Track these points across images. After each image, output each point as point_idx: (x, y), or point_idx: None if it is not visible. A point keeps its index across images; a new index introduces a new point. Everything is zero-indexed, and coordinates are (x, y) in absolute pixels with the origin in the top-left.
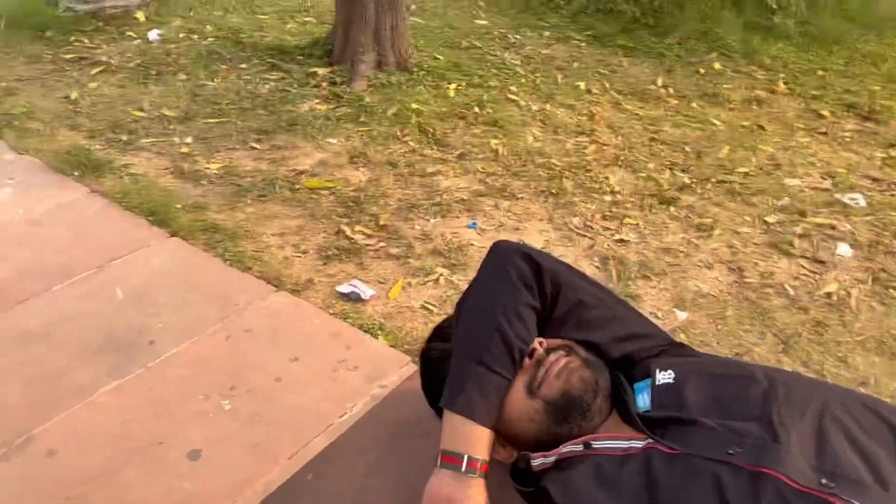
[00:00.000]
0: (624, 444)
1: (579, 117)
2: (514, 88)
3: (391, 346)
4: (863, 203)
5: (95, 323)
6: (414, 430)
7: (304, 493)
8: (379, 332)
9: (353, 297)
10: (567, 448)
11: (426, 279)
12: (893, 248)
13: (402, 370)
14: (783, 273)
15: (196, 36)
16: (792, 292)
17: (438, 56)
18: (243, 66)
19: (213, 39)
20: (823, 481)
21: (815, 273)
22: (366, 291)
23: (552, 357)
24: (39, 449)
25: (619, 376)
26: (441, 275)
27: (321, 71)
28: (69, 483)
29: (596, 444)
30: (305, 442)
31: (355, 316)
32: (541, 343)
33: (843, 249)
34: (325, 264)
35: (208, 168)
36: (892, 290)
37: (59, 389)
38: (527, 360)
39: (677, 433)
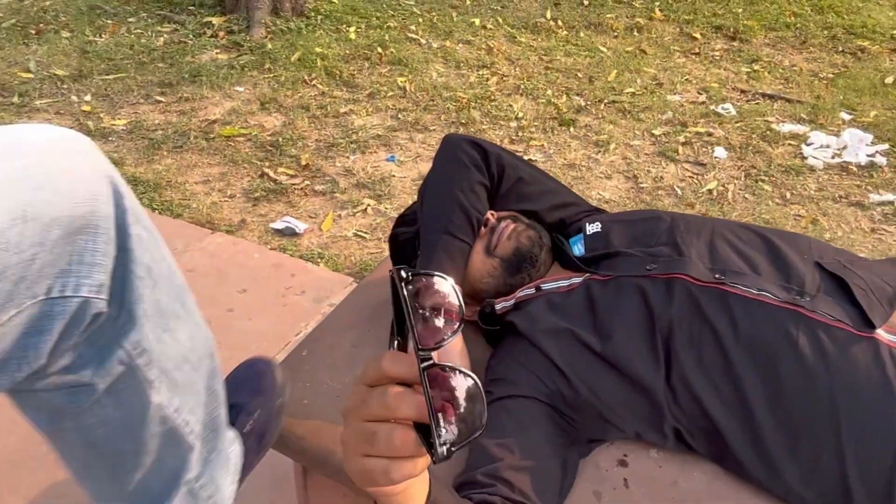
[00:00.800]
0: (566, 281)
1: (478, 52)
2: (413, 28)
3: (333, 270)
4: (733, 112)
5: None
6: (389, 308)
7: (302, 367)
8: (319, 260)
9: (288, 232)
10: (522, 292)
11: (355, 210)
12: (760, 148)
13: (346, 290)
14: (671, 177)
15: None
16: (680, 192)
17: (334, 0)
18: (131, 20)
19: None
20: (717, 276)
21: (697, 174)
22: (299, 226)
23: (503, 224)
24: None
25: (556, 235)
26: (368, 205)
27: (216, 20)
28: None
29: (545, 286)
30: None
31: (293, 249)
32: (492, 214)
33: (720, 152)
34: (254, 205)
35: (115, 124)
36: (760, 184)
37: None
38: (482, 229)
39: (607, 264)
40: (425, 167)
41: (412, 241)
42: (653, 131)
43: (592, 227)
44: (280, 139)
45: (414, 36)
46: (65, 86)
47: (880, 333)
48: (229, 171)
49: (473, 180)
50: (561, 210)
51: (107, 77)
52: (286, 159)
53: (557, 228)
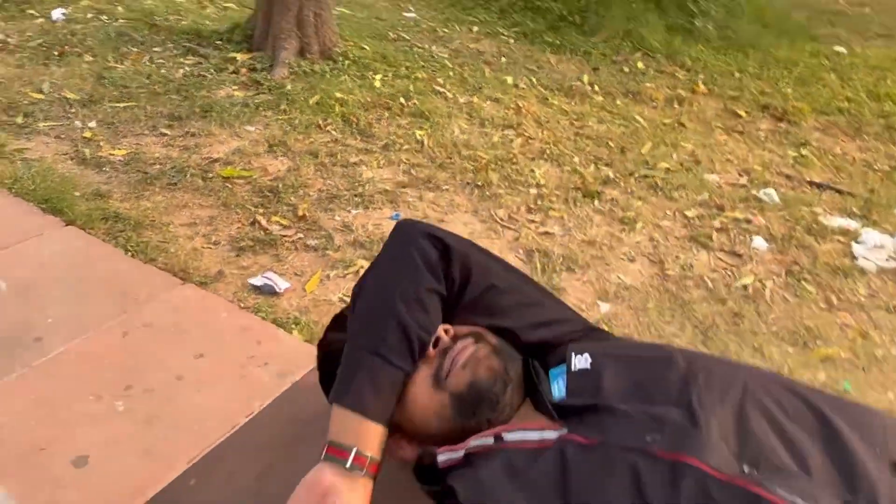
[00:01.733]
0: (536, 435)
1: (506, 111)
2: (441, 81)
3: (305, 340)
4: (776, 199)
5: None
6: (318, 426)
7: (182, 502)
8: (293, 327)
9: (267, 290)
10: (476, 441)
11: (346, 271)
12: (805, 243)
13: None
14: (702, 265)
15: (105, 17)
16: (710, 284)
17: (365, 46)
18: (157, 49)
19: (123, 21)
20: (746, 469)
21: (732, 266)
22: (280, 284)
23: (459, 345)
24: None
25: (532, 363)
26: (361, 266)
27: (240, 57)
28: None
29: (507, 437)
30: (207, 445)
31: (268, 310)
32: (447, 331)
33: (759, 243)
34: (237, 256)
35: (113, 154)
36: (803, 283)
37: None
38: (431, 350)
39: (593, 421)
40: None
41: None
42: (686, 212)
43: (580, 361)
44: (281, 185)
45: (441, 89)
46: (73, 110)
47: None
48: (219, 216)
49: (423, 286)
50: (545, 329)
51: (117, 105)
52: (283, 207)
53: (539, 353)
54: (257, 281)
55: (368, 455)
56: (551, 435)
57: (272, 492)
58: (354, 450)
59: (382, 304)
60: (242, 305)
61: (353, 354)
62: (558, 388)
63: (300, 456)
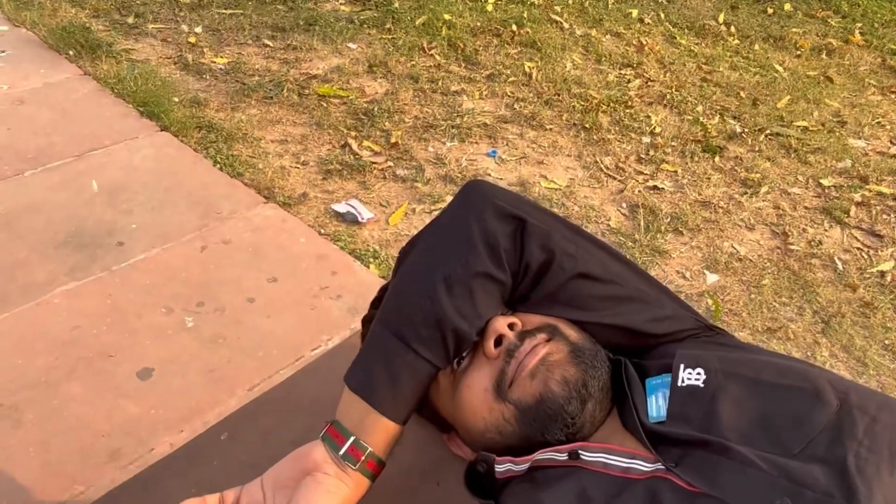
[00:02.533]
0: (624, 461)
1: (626, 48)
2: (558, 9)
3: (382, 276)
4: None
5: (63, 215)
6: None
7: (211, 456)
8: (371, 260)
9: (349, 219)
10: (546, 455)
11: (433, 207)
12: None
13: None
14: (833, 244)
15: None
16: (840, 266)
17: None
18: None
19: None
20: None
21: (869, 247)
22: (364, 213)
23: (527, 345)
24: None
25: (626, 364)
26: None
27: None
28: (2, 390)
29: (586, 455)
30: (269, 374)
31: (348, 239)
32: (513, 325)
33: None
34: (324, 179)
35: (215, 62)
36: None
37: (10, 284)
38: (493, 350)
39: (701, 462)
40: (527, 172)
41: None
42: (821, 180)
43: (689, 375)
44: (376, 108)
45: (557, 18)
46: (181, 13)
47: None
48: (311, 135)
49: (476, 270)
50: (645, 334)
51: (223, 11)
52: (376, 132)
53: (635, 351)
54: (341, 207)
55: (368, 449)
56: (643, 466)
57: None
58: (352, 439)
59: (422, 282)
60: (322, 232)
61: (377, 331)
62: (657, 406)
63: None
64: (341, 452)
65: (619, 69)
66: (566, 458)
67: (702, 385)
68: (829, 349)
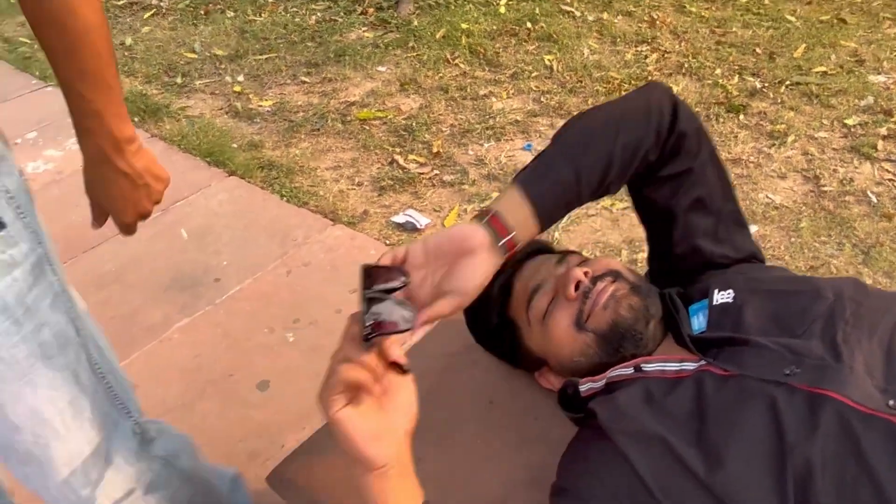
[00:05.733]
0: (675, 366)
1: (639, 24)
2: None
3: None
4: None
5: (164, 263)
6: (464, 358)
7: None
8: None
9: (409, 227)
10: (616, 371)
11: (482, 204)
12: None
13: None
14: (865, 179)
15: None
16: (874, 199)
17: None
18: None
19: None
20: (891, 402)
21: None
22: (421, 220)
23: (599, 286)
24: None
25: (670, 295)
26: None
27: None
28: (151, 415)
29: (646, 367)
30: None
31: None
32: (585, 273)
33: None
34: (379, 195)
35: (261, 105)
36: None
37: (134, 328)
38: (572, 292)
39: (732, 354)
40: None
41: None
42: (845, 121)
43: (722, 296)
44: (414, 123)
45: (568, 8)
46: (222, 66)
47: None
48: (360, 157)
49: (643, 143)
50: (717, 246)
51: (259, 57)
52: (418, 145)
53: (676, 283)
54: (399, 218)
55: (518, 244)
56: (689, 366)
57: (433, 413)
58: (514, 234)
59: (605, 133)
60: (388, 243)
61: (557, 156)
62: (699, 322)
63: (450, 383)
64: (501, 243)
65: (635, 47)
66: (632, 371)
67: (731, 301)
68: (871, 277)
